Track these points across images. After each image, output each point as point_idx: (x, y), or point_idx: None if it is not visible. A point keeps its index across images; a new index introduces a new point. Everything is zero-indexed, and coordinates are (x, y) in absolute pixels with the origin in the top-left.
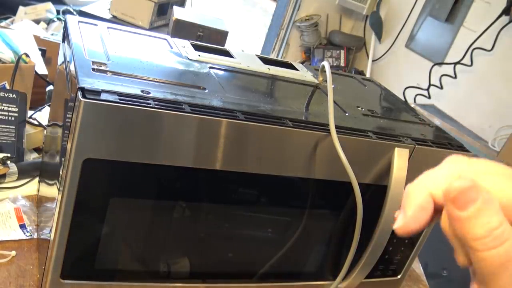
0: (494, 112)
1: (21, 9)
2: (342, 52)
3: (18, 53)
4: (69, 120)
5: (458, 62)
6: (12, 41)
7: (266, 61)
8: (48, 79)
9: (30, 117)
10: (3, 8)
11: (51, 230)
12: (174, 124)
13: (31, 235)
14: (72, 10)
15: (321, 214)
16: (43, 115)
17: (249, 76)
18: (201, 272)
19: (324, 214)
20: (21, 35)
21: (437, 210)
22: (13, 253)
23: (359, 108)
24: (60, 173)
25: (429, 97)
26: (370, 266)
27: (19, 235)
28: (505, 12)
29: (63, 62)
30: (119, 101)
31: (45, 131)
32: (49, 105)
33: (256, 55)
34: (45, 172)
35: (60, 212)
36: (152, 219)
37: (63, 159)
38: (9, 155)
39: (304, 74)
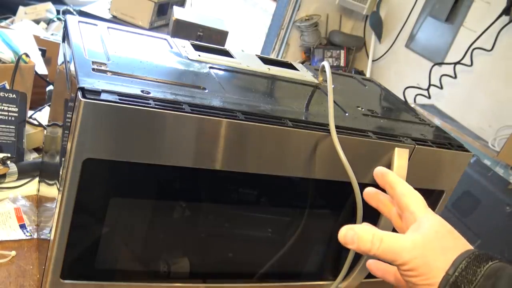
0: (494, 112)
1: (21, 9)
2: (342, 52)
3: (18, 53)
4: (69, 120)
5: (458, 62)
6: (12, 41)
7: (266, 61)
8: (48, 79)
9: (30, 117)
10: (3, 8)
11: (51, 230)
12: (174, 124)
13: (31, 235)
14: (72, 10)
15: (321, 214)
16: (43, 115)
17: (249, 76)
18: (201, 272)
19: (324, 214)
20: (21, 35)
21: None
22: (13, 253)
23: (359, 108)
24: (60, 173)
25: (429, 97)
26: None
27: (19, 235)
28: (505, 12)
29: (63, 62)
30: (119, 101)
31: (45, 131)
32: (49, 105)
33: (256, 55)
34: (45, 172)
35: (60, 212)
36: (152, 219)
37: (63, 159)
38: (9, 155)
39: (304, 74)
